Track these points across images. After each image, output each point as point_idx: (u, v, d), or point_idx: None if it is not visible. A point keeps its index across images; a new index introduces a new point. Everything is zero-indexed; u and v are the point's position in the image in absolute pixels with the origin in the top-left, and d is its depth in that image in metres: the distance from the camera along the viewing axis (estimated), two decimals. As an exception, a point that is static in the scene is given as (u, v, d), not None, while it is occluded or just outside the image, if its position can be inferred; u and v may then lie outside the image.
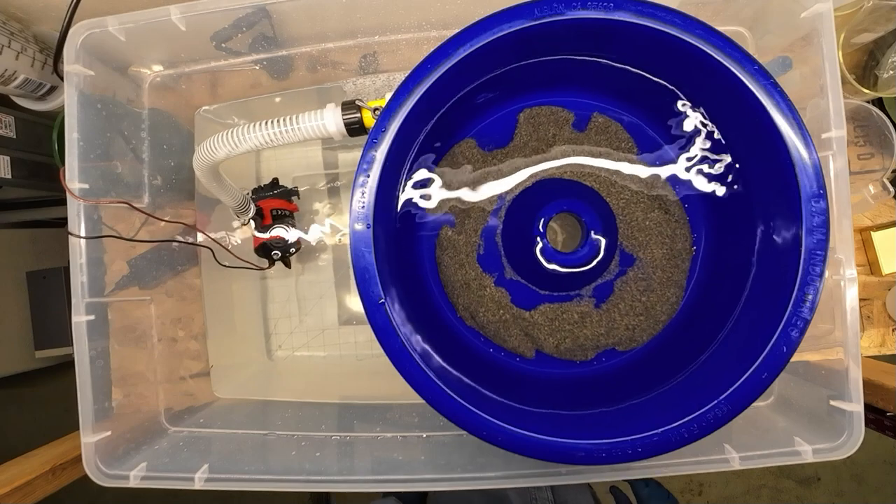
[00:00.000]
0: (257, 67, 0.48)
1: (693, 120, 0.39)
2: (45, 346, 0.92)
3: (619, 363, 0.42)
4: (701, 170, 0.41)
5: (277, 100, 0.53)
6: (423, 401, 0.33)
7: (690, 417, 0.32)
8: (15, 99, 0.54)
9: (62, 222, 0.76)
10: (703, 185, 0.41)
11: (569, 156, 0.42)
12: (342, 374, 0.56)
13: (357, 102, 0.38)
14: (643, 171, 0.42)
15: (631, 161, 0.42)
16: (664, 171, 0.42)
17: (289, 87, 0.52)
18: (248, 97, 0.53)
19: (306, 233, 0.55)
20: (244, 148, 0.38)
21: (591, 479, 0.37)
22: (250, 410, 0.52)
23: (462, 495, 0.51)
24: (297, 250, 0.53)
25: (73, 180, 0.39)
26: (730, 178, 0.40)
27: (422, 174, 0.42)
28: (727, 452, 0.37)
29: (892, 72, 0.51)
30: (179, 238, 0.51)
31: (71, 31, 0.40)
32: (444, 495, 0.53)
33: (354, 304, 0.56)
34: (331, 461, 0.42)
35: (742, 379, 0.32)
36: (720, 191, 0.40)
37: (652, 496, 0.48)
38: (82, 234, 0.40)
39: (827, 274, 0.32)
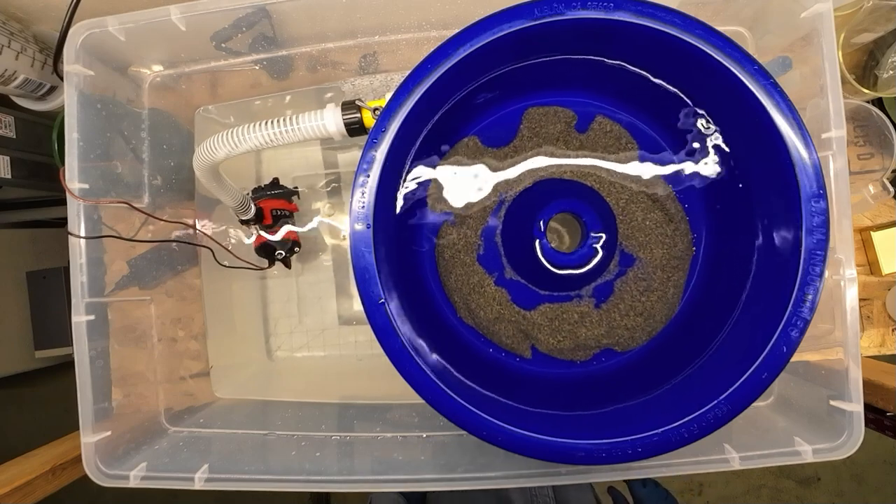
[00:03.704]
0: (257, 67, 0.48)
1: (693, 120, 0.39)
2: (45, 346, 0.92)
3: (619, 363, 0.42)
4: (701, 170, 0.41)
5: (272, 102, 0.53)
6: (423, 401, 0.33)
7: (690, 417, 0.32)
8: (15, 99, 0.54)
9: (62, 222, 0.76)
10: (703, 185, 0.41)
11: (570, 156, 0.42)
12: (342, 374, 0.56)
13: (357, 102, 0.38)
14: (644, 172, 0.42)
15: (631, 162, 0.42)
16: (665, 172, 0.42)
17: (289, 87, 0.52)
18: (248, 97, 0.53)
19: (303, 227, 0.55)
20: (244, 148, 0.38)
21: (592, 479, 0.37)
22: (250, 410, 0.52)
23: (465, 495, 0.51)
24: (298, 250, 0.53)
25: (73, 180, 0.39)
26: (730, 179, 0.39)
27: (422, 173, 0.42)
28: (727, 452, 0.37)
29: (892, 72, 0.51)
30: (179, 238, 0.51)
31: (71, 31, 0.40)
32: (445, 495, 0.53)
33: (354, 304, 0.56)
34: (331, 461, 0.42)
35: (742, 379, 0.32)
36: (720, 191, 0.40)
37: (649, 496, 0.47)
38: (82, 234, 0.40)
39: (827, 274, 0.32)
